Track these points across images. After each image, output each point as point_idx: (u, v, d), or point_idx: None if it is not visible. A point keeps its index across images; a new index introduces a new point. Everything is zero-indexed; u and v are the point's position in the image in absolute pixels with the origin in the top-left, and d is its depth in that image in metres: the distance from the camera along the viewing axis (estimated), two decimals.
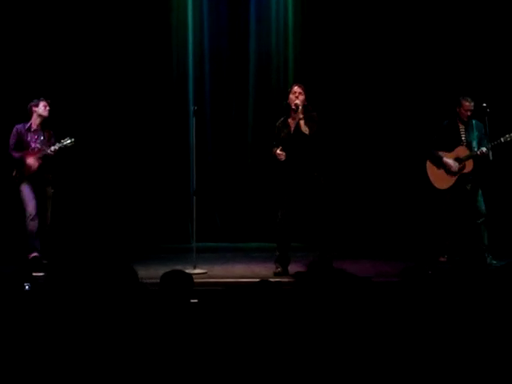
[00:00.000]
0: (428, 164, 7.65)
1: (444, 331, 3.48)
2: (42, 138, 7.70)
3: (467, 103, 7.49)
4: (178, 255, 8.08)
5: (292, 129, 6.89)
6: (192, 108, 7.75)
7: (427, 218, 8.10)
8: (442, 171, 7.59)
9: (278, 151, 6.80)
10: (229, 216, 9.37)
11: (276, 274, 6.84)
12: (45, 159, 7.61)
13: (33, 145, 7.65)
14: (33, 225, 7.57)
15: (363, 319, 3.43)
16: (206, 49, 9.36)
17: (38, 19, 8.89)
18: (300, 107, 6.79)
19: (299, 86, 6.88)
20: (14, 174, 7.66)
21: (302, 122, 6.76)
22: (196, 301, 3.84)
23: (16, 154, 7.67)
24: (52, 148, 7.60)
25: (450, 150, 7.58)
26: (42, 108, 7.70)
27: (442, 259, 7.52)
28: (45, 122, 7.73)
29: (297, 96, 6.82)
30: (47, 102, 7.74)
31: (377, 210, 9.01)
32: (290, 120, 6.93)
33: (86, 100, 9.01)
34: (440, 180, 7.59)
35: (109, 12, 9.08)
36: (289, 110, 6.92)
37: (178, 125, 9.25)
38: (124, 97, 9.11)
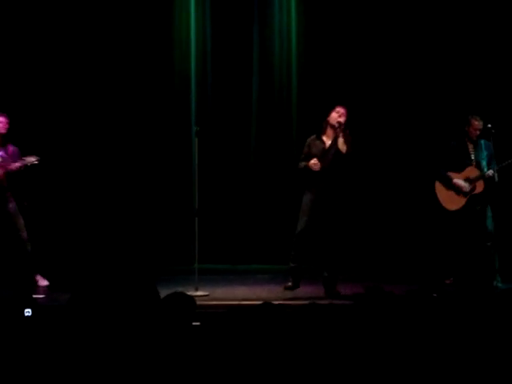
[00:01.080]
0: (437, 185, 7.60)
1: (448, 354, 3.45)
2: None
3: (476, 122, 7.46)
4: (180, 277, 8.02)
5: (327, 145, 6.99)
6: (194, 128, 7.73)
7: (434, 240, 8.04)
8: (451, 192, 7.53)
9: (313, 161, 6.86)
10: (231, 237, 9.33)
11: (287, 289, 6.92)
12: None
13: None
14: None
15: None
16: (209, 61, 9.34)
17: (36, 20, 8.85)
18: (342, 125, 6.90)
19: (343, 107, 6.98)
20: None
21: (341, 140, 6.86)
22: (198, 323, 3.81)
23: None
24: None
25: (459, 170, 7.54)
26: None
27: (448, 281, 7.47)
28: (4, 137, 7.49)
29: (340, 115, 6.92)
30: (4, 116, 7.48)
31: (382, 231, 8.94)
32: (324, 137, 7.03)
33: (88, 118, 9.00)
34: (450, 201, 7.53)
35: (110, 26, 9.06)
36: (322, 128, 7.04)
37: (180, 145, 9.22)
38: (126, 117, 9.10)
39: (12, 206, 7.45)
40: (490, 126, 7.41)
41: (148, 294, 3.87)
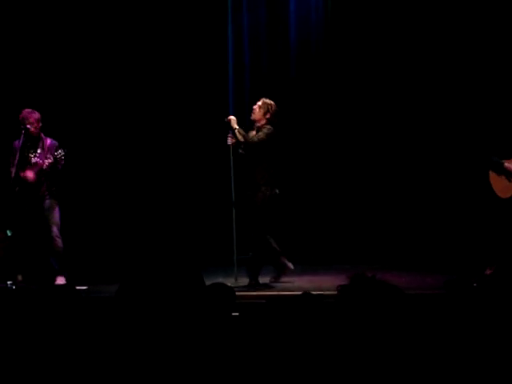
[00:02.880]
0: (491, 174, 7.43)
1: (490, 346, 3.43)
2: None
3: None
4: (220, 268, 8.07)
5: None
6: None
7: (480, 229, 7.89)
8: (503, 180, 7.40)
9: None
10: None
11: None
12: None
13: None
14: None
15: (404, 332, 3.40)
16: (246, 54, 9.36)
17: (64, 21, 8.98)
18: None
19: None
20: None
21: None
22: (238, 314, 3.85)
23: None
24: None
25: (510, 156, 7.41)
26: None
27: (488, 271, 7.37)
28: None
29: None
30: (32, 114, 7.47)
31: (423, 221, 8.81)
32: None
33: (124, 112, 9.08)
34: (502, 189, 7.39)
35: (148, 22, 9.15)
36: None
37: (217, 136, 9.25)
38: (164, 110, 9.16)
39: (48, 202, 7.42)
40: None
41: (195, 284, 3.90)
